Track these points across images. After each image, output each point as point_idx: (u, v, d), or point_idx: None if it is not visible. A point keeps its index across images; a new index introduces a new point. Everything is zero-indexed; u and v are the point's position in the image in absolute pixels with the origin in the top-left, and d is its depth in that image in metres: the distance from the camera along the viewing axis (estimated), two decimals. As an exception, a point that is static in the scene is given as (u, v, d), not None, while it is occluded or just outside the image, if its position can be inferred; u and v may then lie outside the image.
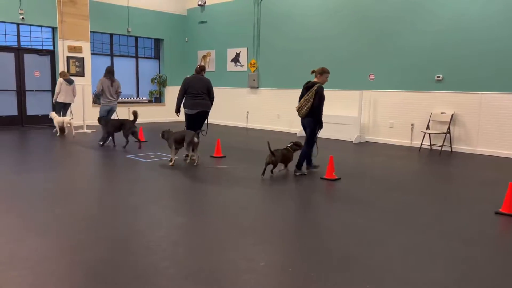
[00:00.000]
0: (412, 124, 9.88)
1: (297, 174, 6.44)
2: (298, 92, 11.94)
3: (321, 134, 11.11)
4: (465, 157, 8.55)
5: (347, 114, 10.89)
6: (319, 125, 6.35)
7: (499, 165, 7.69)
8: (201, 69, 7.65)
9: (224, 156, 7.91)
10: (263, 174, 6.32)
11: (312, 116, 6.29)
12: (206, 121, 7.69)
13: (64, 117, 10.58)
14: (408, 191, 5.64)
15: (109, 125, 8.81)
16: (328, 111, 11.37)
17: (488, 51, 8.70)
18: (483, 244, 3.78)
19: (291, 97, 12.13)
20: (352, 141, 10.40)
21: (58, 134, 10.61)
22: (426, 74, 9.63)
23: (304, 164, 6.70)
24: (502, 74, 8.56)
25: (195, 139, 6.81)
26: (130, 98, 14.64)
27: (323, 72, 6.34)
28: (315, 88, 6.20)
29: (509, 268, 3.29)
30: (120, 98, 13.83)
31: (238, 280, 2.98)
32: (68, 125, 10.46)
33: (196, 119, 7.48)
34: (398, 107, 10.12)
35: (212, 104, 7.59)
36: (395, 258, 3.41)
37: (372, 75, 10.53)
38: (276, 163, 6.35)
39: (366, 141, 10.57)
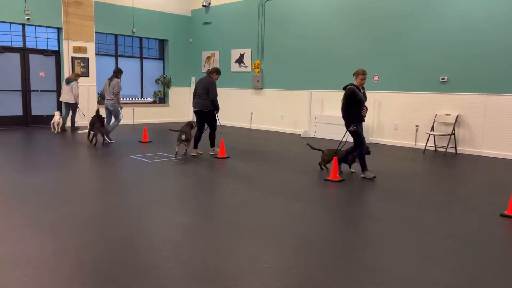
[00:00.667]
0: (417, 126, 9.85)
1: (363, 176, 6.47)
2: (302, 93, 12.01)
3: (326, 135, 11.23)
4: (470, 159, 8.51)
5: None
6: (348, 125, 6.41)
7: (504, 167, 7.65)
8: (212, 71, 8.08)
9: (228, 157, 7.91)
10: (321, 168, 7.02)
11: (343, 117, 6.49)
12: (217, 122, 8.14)
13: (56, 117, 11.13)
14: (413, 193, 5.62)
15: (90, 123, 9.41)
16: (333, 112, 11.39)
17: (493, 53, 8.66)
18: (488, 246, 3.76)
19: (295, 98, 12.13)
20: (356, 142, 10.38)
21: (54, 131, 11.19)
22: (431, 76, 9.60)
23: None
24: (507, 76, 8.51)
25: (182, 136, 7.71)
26: (134, 99, 14.67)
27: (357, 74, 6.41)
28: (345, 90, 6.44)
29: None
30: (124, 99, 13.92)
31: (242, 281, 2.98)
32: (58, 123, 11.11)
33: (198, 117, 8.05)
34: (403, 109, 10.09)
35: (213, 103, 7.86)
36: (400, 260, 3.40)
37: (377, 76, 10.51)
38: (326, 160, 6.91)
39: (371, 142, 10.54)
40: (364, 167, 6.48)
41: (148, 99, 15.03)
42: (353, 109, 6.34)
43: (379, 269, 3.23)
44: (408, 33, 9.86)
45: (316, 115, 11.50)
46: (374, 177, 6.40)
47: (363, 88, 6.49)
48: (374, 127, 10.63)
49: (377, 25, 10.38)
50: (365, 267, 3.24)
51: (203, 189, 5.61)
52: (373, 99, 10.55)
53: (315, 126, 11.46)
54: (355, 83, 6.43)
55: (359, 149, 6.48)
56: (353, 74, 6.49)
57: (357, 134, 6.41)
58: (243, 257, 3.40)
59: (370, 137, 10.66)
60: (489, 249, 3.69)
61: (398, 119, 10.18)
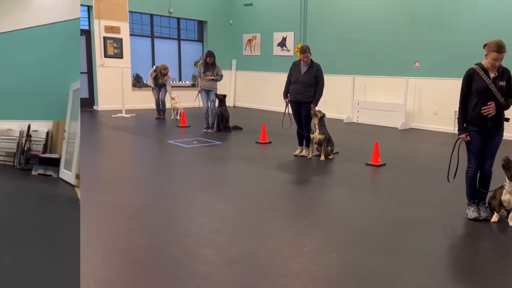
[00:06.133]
0: (456, 111, 9.47)
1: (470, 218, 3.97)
2: (345, 78, 11.70)
3: (368, 121, 10.92)
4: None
5: (392, 101, 10.61)
6: (459, 131, 4.13)
7: None
8: None
9: (270, 142, 7.79)
10: None
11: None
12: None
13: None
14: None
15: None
16: (374, 97, 11.11)
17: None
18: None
19: (338, 84, 11.74)
20: (397, 128, 10.16)
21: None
22: (470, 63, 9.13)
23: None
24: None
25: None
26: (173, 82, 14.65)
27: (489, 49, 3.96)
28: None
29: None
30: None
31: (282, 266, 2.97)
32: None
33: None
34: (442, 95, 9.77)
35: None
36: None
37: (418, 63, 10.22)
38: None
39: (411, 128, 10.28)
40: (471, 199, 4.07)
41: (187, 82, 14.81)
42: (470, 103, 4.04)
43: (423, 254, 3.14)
44: (451, 22, 9.53)
45: (359, 100, 11.28)
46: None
47: (496, 72, 3.97)
48: (414, 113, 10.36)
49: (419, 14, 10.05)
50: (401, 251, 3.16)
51: (242, 174, 5.57)
52: (414, 85, 10.25)
53: (358, 111, 11.25)
54: (483, 62, 4.06)
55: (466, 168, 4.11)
56: (483, 46, 4.01)
57: (467, 146, 4.11)
58: (284, 242, 3.38)
59: (411, 122, 10.35)
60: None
61: (437, 105, 9.89)
